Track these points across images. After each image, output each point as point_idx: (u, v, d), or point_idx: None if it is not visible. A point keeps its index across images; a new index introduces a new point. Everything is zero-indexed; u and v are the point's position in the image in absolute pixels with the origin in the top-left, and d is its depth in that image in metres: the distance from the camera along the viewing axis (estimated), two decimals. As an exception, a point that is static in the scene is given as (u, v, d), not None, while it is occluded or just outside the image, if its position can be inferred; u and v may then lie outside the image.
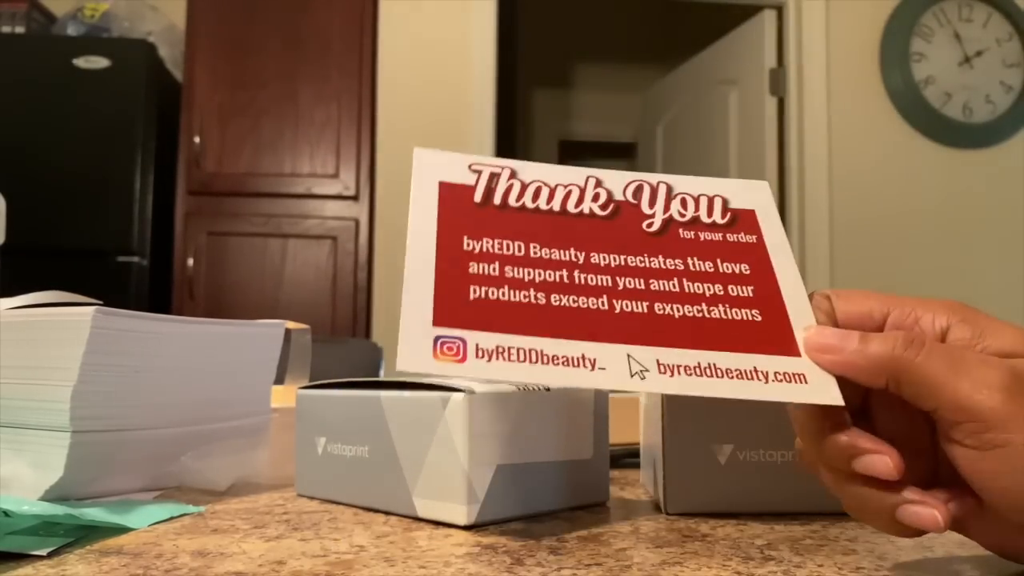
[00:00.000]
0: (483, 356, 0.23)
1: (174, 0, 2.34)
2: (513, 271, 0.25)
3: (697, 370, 0.24)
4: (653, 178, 0.29)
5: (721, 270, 0.27)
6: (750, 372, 0.24)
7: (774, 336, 0.25)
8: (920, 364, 0.23)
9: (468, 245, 0.26)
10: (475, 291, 0.25)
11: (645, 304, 0.25)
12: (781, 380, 0.24)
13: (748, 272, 0.27)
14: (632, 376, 0.24)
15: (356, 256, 2.22)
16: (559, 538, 0.31)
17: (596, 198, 0.28)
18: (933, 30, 2.50)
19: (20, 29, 2.22)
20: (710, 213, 0.28)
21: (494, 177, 0.28)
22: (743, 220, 0.28)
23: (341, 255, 2.21)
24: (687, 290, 0.26)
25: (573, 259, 0.26)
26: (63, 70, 2.07)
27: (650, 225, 0.28)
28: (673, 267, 0.27)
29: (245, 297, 2.18)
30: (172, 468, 0.42)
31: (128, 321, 0.39)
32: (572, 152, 4.18)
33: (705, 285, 0.26)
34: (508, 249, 0.26)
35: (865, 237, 2.45)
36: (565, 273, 0.26)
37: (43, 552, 0.29)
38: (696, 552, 0.29)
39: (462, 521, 0.32)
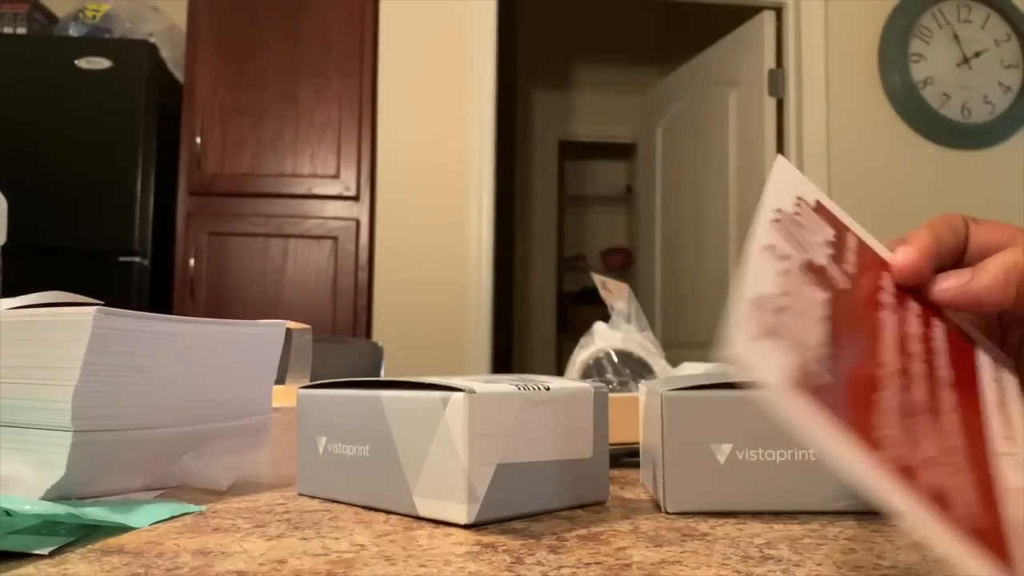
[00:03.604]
0: None
1: (175, 1, 2.34)
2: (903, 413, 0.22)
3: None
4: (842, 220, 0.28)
5: (914, 310, 0.26)
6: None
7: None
8: None
9: (871, 437, 0.21)
10: (876, 428, 0.21)
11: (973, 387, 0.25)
12: None
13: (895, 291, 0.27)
14: None
15: (357, 256, 2.22)
16: (559, 537, 0.32)
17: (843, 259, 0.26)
18: (932, 31, 2.51)
19: (22, 30, 2.22)
20: (818, 231, 0.27)
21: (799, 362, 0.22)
22: (827, 218, 0.28)
23: (342, 255, 2.21)
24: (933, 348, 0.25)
25: (912, 357, 0.24)
26: (65, 71, 2.08)
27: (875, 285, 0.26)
28: (916, 330, 0.25)
29: (246, 297, 2.18)
30: (173, 467, 0.42)
31: (129, 321, 0.39)
32: (572, 152, 4.18)
33: (930, 330, 0.26)
34: (880, 407, 0.22)
35: (865, 238, 2.44)
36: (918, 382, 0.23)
37: (45, 551, 0.29)
38: (695, 551, 0.29)
39: (462, 520, 0.33)
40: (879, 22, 2.51)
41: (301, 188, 2.22)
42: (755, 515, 0.35)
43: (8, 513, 0.30)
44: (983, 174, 2.50)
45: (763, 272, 0.24)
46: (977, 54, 2.52)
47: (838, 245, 0.27)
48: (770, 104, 2.51)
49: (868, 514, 0.36)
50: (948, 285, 0.27)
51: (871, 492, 0.20)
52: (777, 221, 0.25)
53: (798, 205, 0.27)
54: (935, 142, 2.49)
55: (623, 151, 4.12)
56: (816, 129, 2.45)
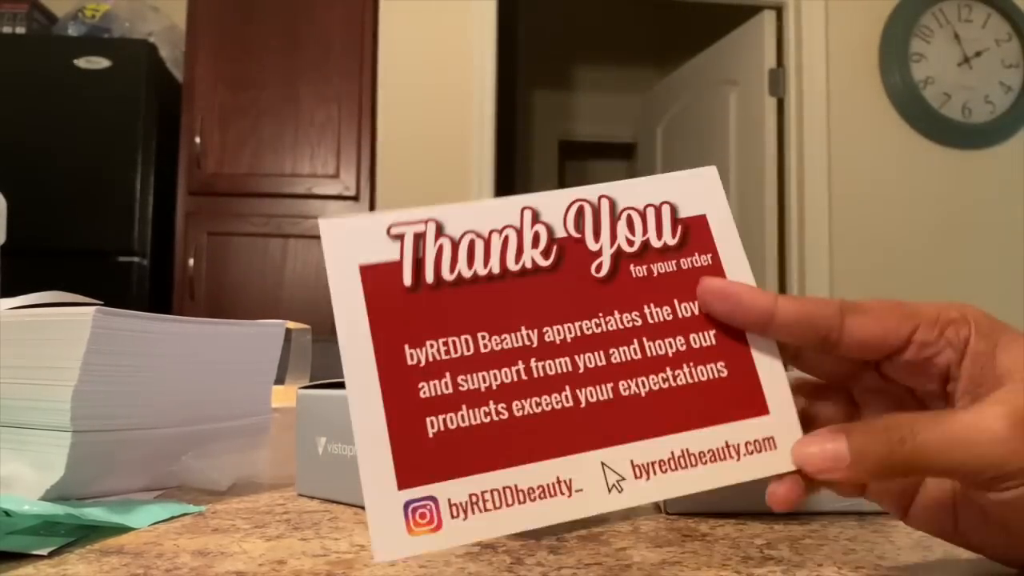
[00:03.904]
0: (458, 515, 0.22)
1: (175, 0, 2.34)
2: (467, 381, 0.23)
3: (672, 463, 0.24)
4: (593, 193, 0.27)
5: (680, 314, 0.25)
6: (722, 451, 0.24)
7: (741, 392, 0.25)
8: (920, 449, 0.22)
9: (412, 358, 0.23)
10: (432, 425, 0.23)
11: (610, 387, 0.24)
12: (752, 452, 0.24)
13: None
14: (610, 491, 0.23)
15: (356, 256, 2.22)
16: (559, 538, 0.32)
17: (536, 242, 0.25)
18: (932, 30, 2.50)
19: (21, 30, 2.22)
20: (659, 233, 0.26)
21: (419, 240, 0.24)
22: (695, 234, 0.26)
23: (341, 255, 2.20)
24: (649, 353, 0.25)
25: (527, 343, 0.24)
26: (64, 70, 2.07)
27: (599, 268, 0.25)
28: (631, 324, 0.25)
29: (246, 297, 2.18)
30: (173, 468, 0.42)
31: (129, 321, 0.39)
32: (572, 152, 4.18)
33: (667, 341, 0.25)
34: (456, 350, 0.24)
35: (864, 237, 2.45)
36: (522, 367, 0.24)
37: (44, 552, 0.29)
38: (696, 552, 0.29)
39: (462, 521, 0.32)
40: (880, 22, 2.50)
41: (301, 188, 2.22)
42: (756, 516, 0.35)
43: (7, 513, 0.30)
44: (984, 174, 2.50)
45: (487, 213, 0.25)
46: (978, 54, 2.51)
47: (658, 254, 0.26)
48: (770, 104, 2.51)
49: (869, 515, 0.36)
50: (812, 453, 0.23)
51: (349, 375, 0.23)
52: (587, 205, 0.26)
53: (655, 209, 0.27)
54: (936, 142, 2.49)
55: (623, 151, 4.12)
56: (817, 129, 2.45)
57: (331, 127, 2.23)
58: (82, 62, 2.08)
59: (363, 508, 0.37)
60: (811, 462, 0.23)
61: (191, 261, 2.16)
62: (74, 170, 2.07)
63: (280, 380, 0.54)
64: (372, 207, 2.26)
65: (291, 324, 0.57)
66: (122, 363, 0.39)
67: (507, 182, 3.53)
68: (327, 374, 0.55)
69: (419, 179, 2.32)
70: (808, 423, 0.25)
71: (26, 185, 1.98)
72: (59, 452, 0.37)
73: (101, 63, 2.09)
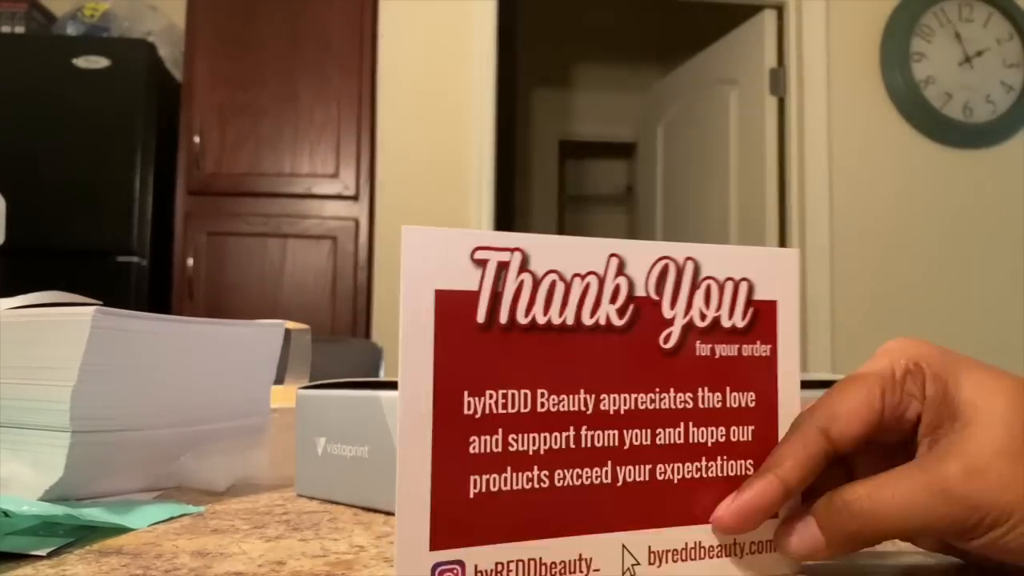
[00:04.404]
0: None
1: (174, 0, 2.34)
2: (517, 441, 0.23)
3: (683, 554, 0.25)
4: (681, 253, 0.26)
5: (728, 403, 0.26)
6: (729, 548, 0.25)
7: None
8: (883, 522, 0.23)
9: (469, 407, 0.22)
10: (476, 484, 0.22)
11: (648, 469, 0.24)
12: (754, 552, 0.26)
13: (753, 405, 0.26)
14: (623, 574, 0.24)
15: (356, 256, 2.22)
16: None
17: (615, 296, 0.24)
18: (933, 30, 2.50)
19: (20, 29, 2.22)
20: (731, 312, 0.26)
21: (501, 271, 0.23)
22: (763, 319, 0.27)
23: (341, 255, 2.20)
24: (692, 440, 0.25)
25: (582, 408, 0.24)
26: (63, 70, 2.07)
27: (667, 339, 0.25)
28: (682, 405, 0.25)
29: (245, 297, 2.18)
30: (172, 468, 0.42)
31: (128, 321, 0.39)
32: (572, 152, 4.18)
33: (710, 430, 0.25)
34: (513, 405, 0.23)
35: (865, 237, 2.44)
36: (572, 434, 0.23)
37: (43, 552, 0.29)
38: (696, 552, 0.29)
39: (462, 521, 0.32)
40: (880, 21, 2.50)
41: (300, 187, 2.22)
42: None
43: (6, 514, 0.30)
44: (985, 174, 2.50)
45: (574, 252, 0.24)
46: (979, 53, 2.51)
47: (725, 334, 0.26)
48: (771, 103, 2.51)
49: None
50: (796, 552, 0.25)
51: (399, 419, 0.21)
52: (672, 263, 0.26)
53: (734, 284, 0.27)
54: (937, 141, 2.49)
55: (623, 151, 4.12)
56: (817, 128, 2.45)
57: (331, 126, 2.23)
58: (81, 61, 2.08)
59: (363, 509, 0.37)
60: (797, 556, 0.25)
61: (190, 261, 2.16)
62: (73, 170, 2.06)
63: (279, 380, 0.54)
64: (372, 207, 2.26)
65: (290, 324, 0.57)
66: (121, 363, 0.39)
67: (507, 181, 3.53)
68: (326, 374, 0.55)
69: (419, 178, 2.32)
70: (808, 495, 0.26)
71: (25, 185, 1.97)
72: (58, 452, 0.36)
73: (100, 62, 2.09)
